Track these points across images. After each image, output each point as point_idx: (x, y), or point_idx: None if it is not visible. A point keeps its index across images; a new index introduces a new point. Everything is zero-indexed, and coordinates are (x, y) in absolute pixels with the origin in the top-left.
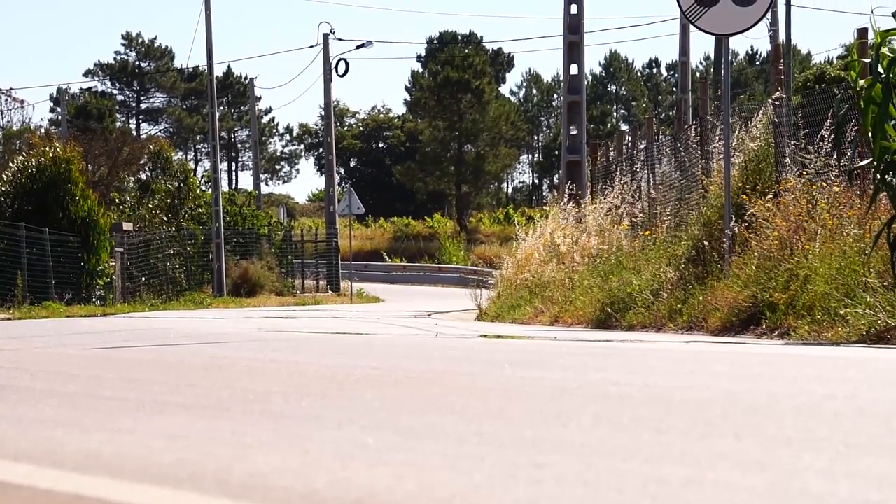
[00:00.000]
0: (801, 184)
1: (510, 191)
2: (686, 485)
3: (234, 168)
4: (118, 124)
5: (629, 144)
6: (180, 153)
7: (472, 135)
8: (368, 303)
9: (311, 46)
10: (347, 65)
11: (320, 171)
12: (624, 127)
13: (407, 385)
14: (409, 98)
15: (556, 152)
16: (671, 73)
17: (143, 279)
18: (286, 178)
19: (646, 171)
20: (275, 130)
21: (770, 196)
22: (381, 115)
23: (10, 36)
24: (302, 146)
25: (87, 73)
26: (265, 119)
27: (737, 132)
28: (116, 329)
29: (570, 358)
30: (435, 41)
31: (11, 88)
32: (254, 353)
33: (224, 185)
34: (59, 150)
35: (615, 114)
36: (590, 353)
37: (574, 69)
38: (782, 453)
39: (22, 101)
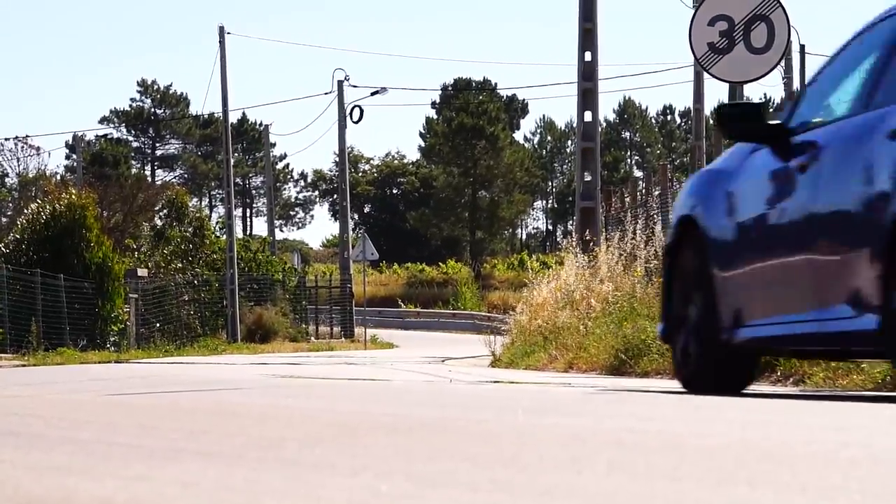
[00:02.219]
0: None
1: (524, 237)
2: None
3: (248, 214)
4: (133, 171)
5: (643, 191)
6: (195, 199)
7: (487, 181)
8: (382, 349)
9: (326, 93)
10: (362, 111)
11: (334, 216)
12: (638, 173)
13: (420, 432)
14: (423, 144)
15: (570, 198)
16: (685, 119)
17: (158, 325)
18: (300, 224)
19: (660, 218)
20: (289, 176)
21: None
22: (396, 161)
23: (26, 83)
24: (316, 192)
25: (102, 120)
26: (280, 165)
27: None
28: (130, 375)
29: (584, 404)
30: (449, 87)
31: (27, 136)
32: (267, 400)
33: (238, 231)
34: (74, 196)
35: (629, 160)
36: (604, 400)
37: (588, 116)
38: (797, 501)
39: (38, 149)
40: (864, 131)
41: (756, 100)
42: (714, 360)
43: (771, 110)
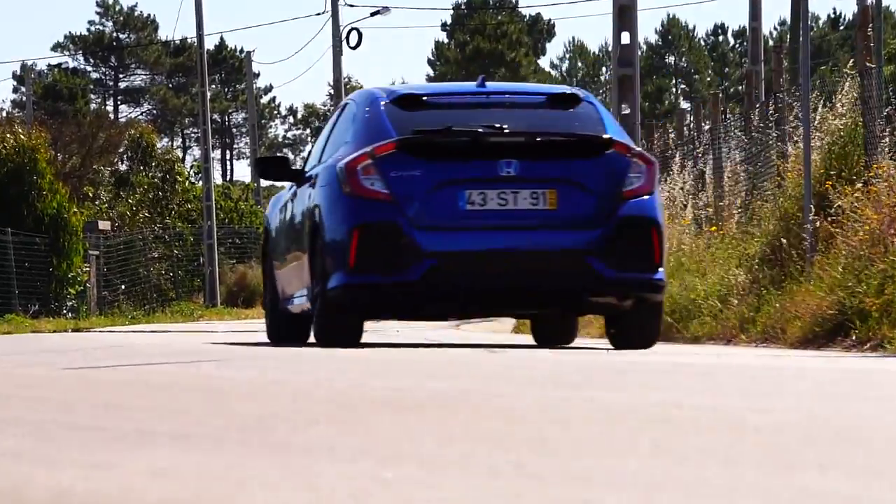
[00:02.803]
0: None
1: None
2: None
3: (228, 157)
4: (93, 106)
5: (691, 125)
6: (165, 140)
7: None
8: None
9: (318, 14)
10: (360, 35)
11: None
12: (685, 105)
13: (431, 409)
14: (432, 73)
15: None
16: (739, 41)
17: (123, 287)
18: None
19: (711, 157)
20: (276, 112)
21: (859, 184)
22: None
23: None
24: (308, 130)
25: (56, 47)
26: (265, 99)
27: (818, 109)
28: (92, 346)
29: (624, 376)
30: (462, 6)
31: None
32: (253, 373)
33: (217, 177)
34: (23, 136)
35: (674, 90)
36: (647, 370)
37: (625, 38)
38: (875, 487)
39: None
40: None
41: (823, 16)
42: (278, 323)
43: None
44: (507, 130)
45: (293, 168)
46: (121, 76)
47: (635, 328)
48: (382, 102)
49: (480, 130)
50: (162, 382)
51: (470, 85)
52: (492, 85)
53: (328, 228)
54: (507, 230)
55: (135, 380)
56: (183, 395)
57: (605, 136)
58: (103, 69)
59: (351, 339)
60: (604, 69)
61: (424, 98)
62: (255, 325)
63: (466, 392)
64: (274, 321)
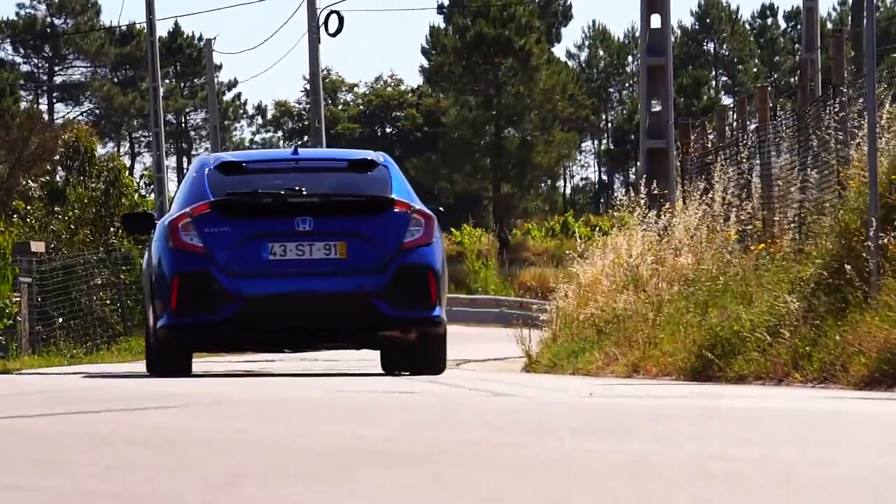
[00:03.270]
0: None
1: (568, 192)
2: None
3: (185, 164)
4: (23, 105)
5: (734, 125)
6: (110, 145)
7: (516, 114)
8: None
9: None
10: (341, 19)
11: None
12: (726, 100)
13: (430, 463)
14: (426, 64)
15: (633, 136)
16: (791, 24)
17: (61, 321)
18: None
19: (758, 162)
20: (241, 111)
21: None
22: (390, 89)
23: None
24: (280, 133)
25: None
26: (228, 96)
27: (886, 105)
28: (24, 391)
29: (655, 423)
30: None
31: None
32: (217, 421)
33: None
34: None
35: (714, 83)
36: (683, 416)
37: (656, 21)
38: None
39: None
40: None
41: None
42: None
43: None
44: (304, 192)
45: (155, 221)
46: (56, 69)
47: (424, 357)
48: (207, 168)
49: (282, 192)
50: (106, 434)
51: (285, 152)
52: (303, 152)
53: (157, 276)
54: (304, 276)
55: (75, 430)
56: (131, 449)
57: (388, 196)
58: (35, 60)
59: (179, 370)
60: (630, 58)
61: (243, 164)
62: (219, 365)
63: (472, 443)
64: (148, 352)
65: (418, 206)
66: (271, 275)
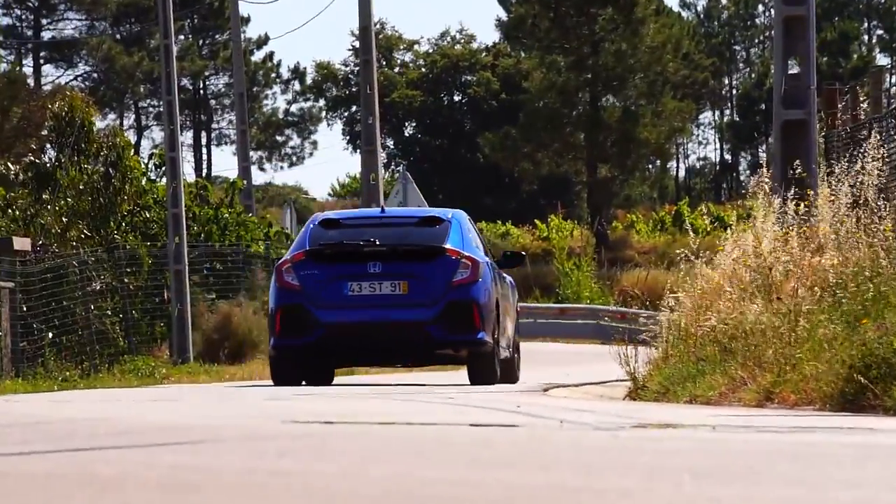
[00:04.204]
0: None
1: (682, 175)
2: None
3: (205, 141)
4: (3, 66)
5: (892, 91)
6: (111, 116)
7: (616, 79)
8: (437, 370)
9: None
10: None
11: (353, 144)
12: (883, 60)
13: None
14: (504, 16)
15: (764, 106)
16: None
17: (51, 335)
18: (295, 158)
19: None
20: (274, 75)
21: None
22: (458, 48)
23: None
24: (321, 102)
25: None
26: (257, 56)
27: None
28: (6, 422)
29: (795, 463)
30: None
31: None
32: (246, 461)
33: (189, 171)
34: None
35: (867, 37)
36: (830, 455)
37: None
38: None
39: None
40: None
41: None
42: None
43: None
44: (376, 243)
45: None
46: (44, 22)
47: (478, 372)
48: (313, 224)
49: (360, 243)
50: (112, 476)
51: (375, 211)
52: (389, 210)
53: (270, 307)
54: (375, 308)
55: (71, 473)
56: (144, 496)
57: (442, 246)
58: (18, 12)
59: (289, 381)
60: (760, 7)
61: (340, 221)
62: (243, 390)
63: (566, 489)
64: (270, 366)
65: (467, 252)
66: (350, 307)
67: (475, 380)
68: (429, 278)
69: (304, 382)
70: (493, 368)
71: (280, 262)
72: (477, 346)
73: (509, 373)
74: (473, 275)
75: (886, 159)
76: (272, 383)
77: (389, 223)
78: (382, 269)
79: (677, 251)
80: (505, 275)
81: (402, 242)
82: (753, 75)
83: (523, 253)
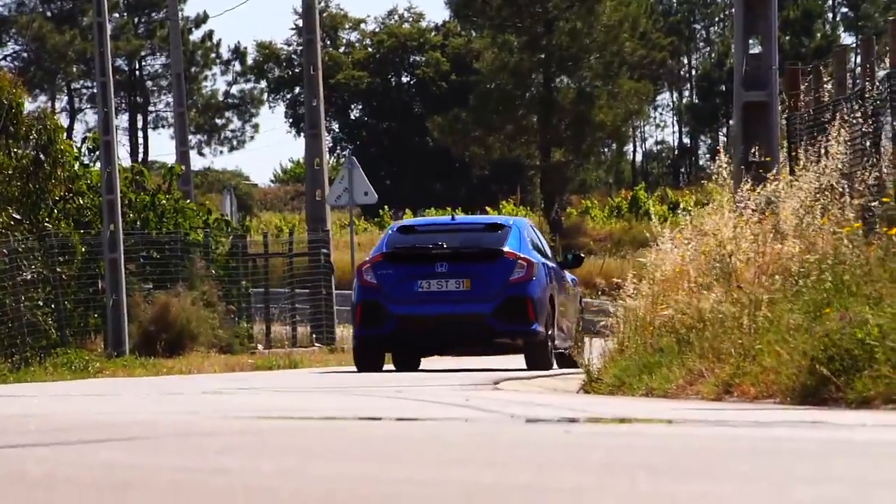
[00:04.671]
0: None
1: (639, 159)
2: None
3: (141, 124)
4: None
5: (856, 71)
6: (42, 98)
7: (571, 59)
8: (386, 363)
9: None
10: None
11: (297, 127)
12: (847, 39)
13: None
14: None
15: (724, 87)
16: None
17: None
18: (236, 143)
19: (889, 119)
20: (213, 56)
21: None
22: (406, 27)
23: None
24: (263, 84)
25: None
26: (196, 35)
27: None
28: None
29: (755, 459)
30: None
31: None
32: (184, 458)
33: (124, 156)
34: None
35: (831, 15)
36: (791, 451)
37: None
38: None
39: None
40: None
41: None
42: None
43: None
44: (444, 246)
45: None
46: None
47: (533, 358)
48: (392, 230)
49: (429, 247)
50: (42, 475)
51: (447, 219)
52: (458, 218)
53: (352, 301)
54: (441, 303)
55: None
56: (76, 494)
57: (500, 248)
58: None
59: (369, 367)
60: None
61: (415, 227)
62: (182, 384)
63: (519, 486)
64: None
65: (523, 254)
66: (419, 301)
67: (531, 366)
68: (488, 276)
69: (384, 369)
70: (546, 356)
71: (361, 263)
72: (531, 336)
73: (568, 361)
74: (528, 273)
75: (850, 143)
76: (356, 369)
77: (457, 229)
78: (448, 268)
79: (634, 237)
80: (567, 274)
81: (466, 245)
82: (713, 55)
83: (583, 255)
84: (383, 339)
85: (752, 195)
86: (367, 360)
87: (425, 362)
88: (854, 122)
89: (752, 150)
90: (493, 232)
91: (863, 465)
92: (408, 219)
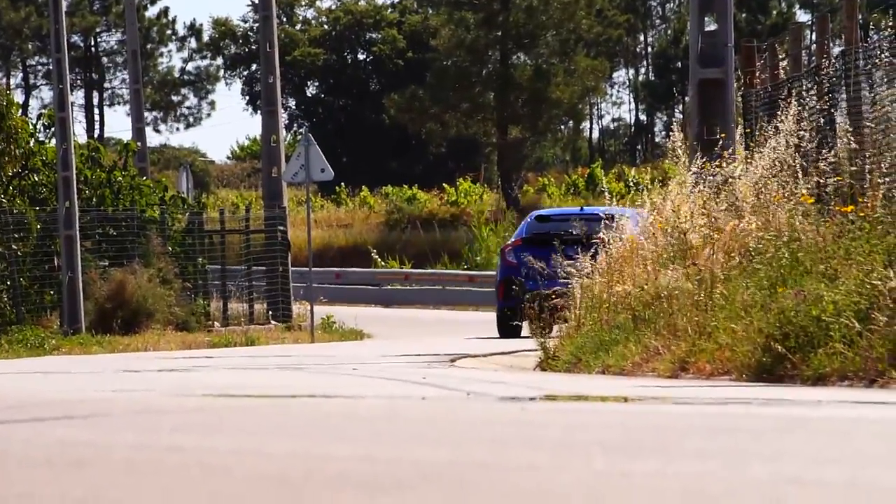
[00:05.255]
0: None
1: (596, 136)
2: None
3: (97, 101)
4: None
5: (812, 48)
6: None
7: (527, 36)
8: (343, 340)
9: None
10: None
11: (253, 104)
12: (803, 16)
13: (421, 491)
14: None
15: (680, 64)
16: None
17: None
18: (192, 119)
19: (844, 97)
20: (169, 32)
21: None
22: (363, 4)
23: None
24: (219, 60)
25: None
26: (151, 11)
27: None
28: None
29: (712, 436)
30: None
31: None
32: (139, 436)
33: (80, 133)
34: None
35: None
36: (747, 428)
37: None
38: None
39: None
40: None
41: None
42: None
43: None
44: (572, 233)
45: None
46: None
47: None
48: (531, 218)
49: (561, 233)
50: None
51: (576, 209)
52: (586, 209)
53: (496, 279)
54: (569, 279)
55: None
56: (29, 472)
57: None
58: None
59: (511, 334)
60: None
61: (550, 217)
62: (138, 360)
63: (473, 464)
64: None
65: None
66: (552, 278)
67: None
68: None
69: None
70: None
71: (505, 245)
72: None
73: None
74: None
75: (806, 120)
76: (498, 336)
77: (584, 218)
78: (578, 252)
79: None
80: None
81: (591, 233)
82: (670, 32)
83: None
84: (518, 310)
85: (707, 172)
86: (506, 329)
87: (399, 339)
88: (809, 99)
89: (709, 127)
90: (611, 221)
91: (818, 442)
92: (545, 208)
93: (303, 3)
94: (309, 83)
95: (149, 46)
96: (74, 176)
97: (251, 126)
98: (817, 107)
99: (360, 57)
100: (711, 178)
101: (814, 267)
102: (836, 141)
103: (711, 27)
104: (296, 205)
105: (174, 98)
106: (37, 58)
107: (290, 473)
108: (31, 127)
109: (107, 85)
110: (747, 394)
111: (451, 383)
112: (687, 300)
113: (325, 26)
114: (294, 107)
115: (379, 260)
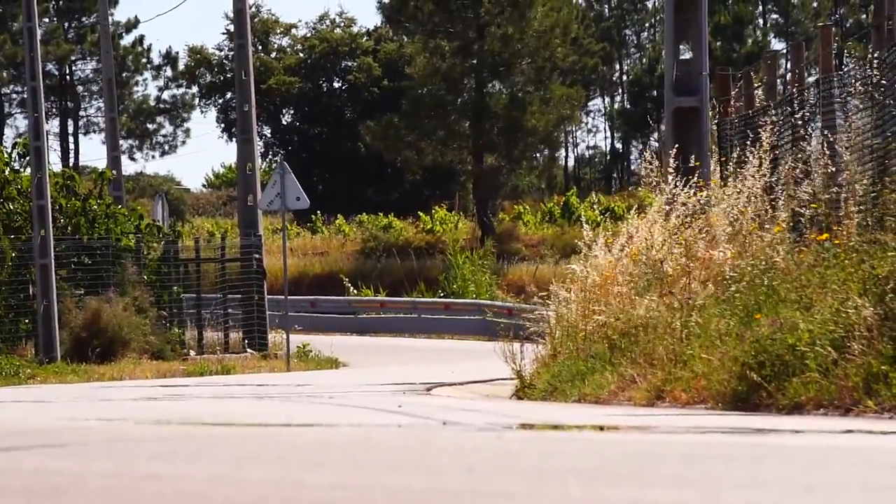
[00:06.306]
0: None
1: (571, 165)
2: None
3: (72, 129)
4: None
5: (787, 77)
6: None
7: (503, 65)
8: (319, 369)
9: None
10: None
11: (229, 132)
12: (778, 45)
13: None
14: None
15: (655, 93)
16: None
17: None
18: (167, 147)
19: (819, 125)
20: (144, 61)
21: None
22: (338, 32)
23: None
24: (194, 89)
25: None
26: (127, 40)
27: None
28: None
29: (686, 465)
30: None
31: None
32: (116, 464)
33: (55, 161)
34: None
35: (762, 21)
36: (722, 456)
37: None
38: None
39: None
40: None
41: None
42: None
43: None
44: None
45: None
46: None
47: None
48: None
49: None
50: None
51: None
52: None
53: None
54: None
55: None
56: (5, 501)
57: None
58: None
59: None
60: None
61: None
62: (114, 389)
63: (449, 492)
64: None
65: None
66: None
67: None
68: None
69: None
70: None
71: None
72: None
73: None
74: None
75: (780, 149)
76: None
77: None
78: None
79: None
80: None
81: None
82: (645, 60)
83: None
84: None
85: (682, 201)
86: None
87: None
88: (784, 127)
89: (684, 155)
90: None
91: (793, 470)
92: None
93: (278, 31)
94: (284, 111)
95: (124, 75)
96: (49, 204)
97: (226, 154)
98: (791, 135)
99: (336, 85)
100: (686, 206)
101: (789, 295)
102: (812, 169)
103: (686, 55)
104: (271, 233)
105: (149, 126)
106: (11, 86)
107: (266, 501)
108: (5, 156)
109: (82, 113)
110: (722, 422)
111: (427, 412)
112: (662, 329)
113: (301, 54)
114: (269, 135)
115: (352, 288)
